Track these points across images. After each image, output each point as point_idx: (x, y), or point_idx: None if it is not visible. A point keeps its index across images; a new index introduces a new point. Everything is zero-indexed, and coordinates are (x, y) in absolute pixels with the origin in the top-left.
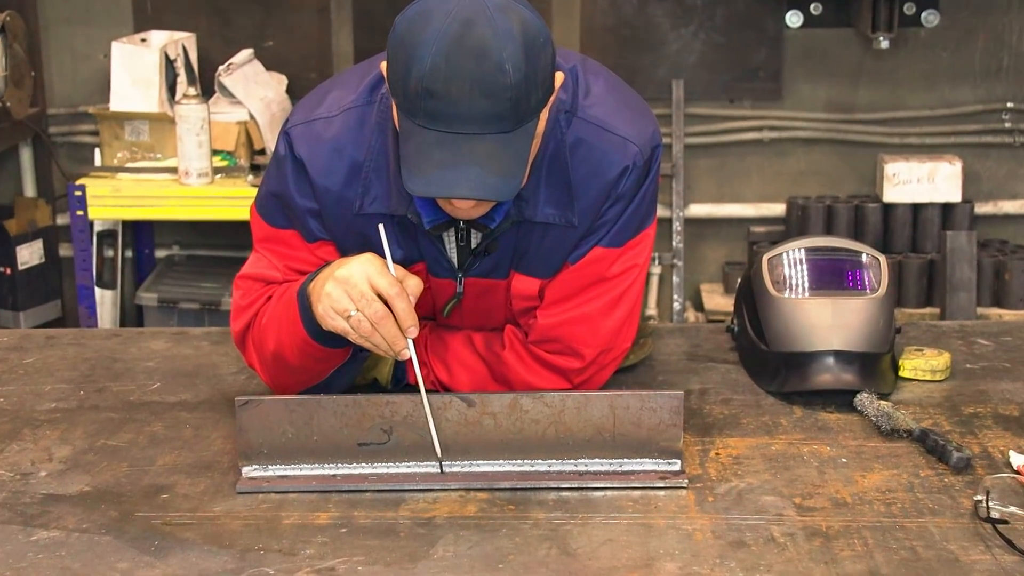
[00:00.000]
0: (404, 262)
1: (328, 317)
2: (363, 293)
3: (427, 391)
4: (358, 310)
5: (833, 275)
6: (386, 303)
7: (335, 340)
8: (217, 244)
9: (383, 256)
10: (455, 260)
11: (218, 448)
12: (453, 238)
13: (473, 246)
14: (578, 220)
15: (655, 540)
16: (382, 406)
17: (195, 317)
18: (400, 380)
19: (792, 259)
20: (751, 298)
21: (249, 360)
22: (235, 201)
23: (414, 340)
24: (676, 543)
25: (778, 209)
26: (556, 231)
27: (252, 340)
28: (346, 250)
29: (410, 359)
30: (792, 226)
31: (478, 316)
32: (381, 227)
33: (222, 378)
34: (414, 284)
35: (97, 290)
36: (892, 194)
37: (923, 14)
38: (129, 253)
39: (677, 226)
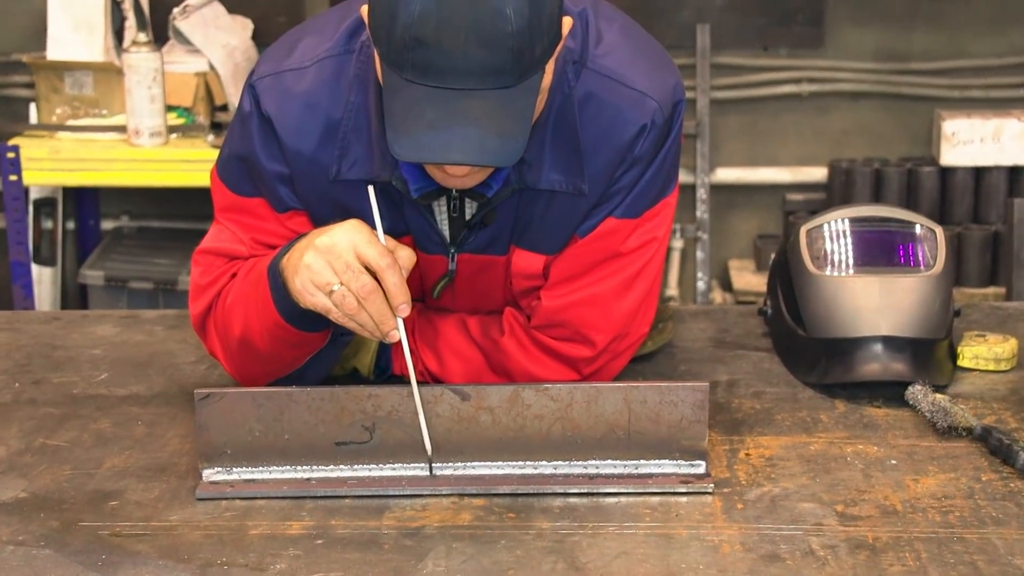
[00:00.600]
0: (389, 235)
1: (307, 293)
2: (348, 264)
3: (417, 382)
4: (342, 284)
5: (882, 249)
6: (374, 276)
7: (313, 322)
8: (173, 214)
9: (371, 224)
10: (446, 233)
11: (175, 448)
12: (444, 208)
13: (467, 217)
14: (588, 187)
15: (676, 553)
16: (363, 400)
17: (148, 298)
18: (384, 370)
19: (834, 231)
20: (787, 276)
21: (210, 347)
22: (193, 165)
23: (404, 321)
24: (700, 556)
25: (818, 174)
26: (563, 200)
27: (214, 324)
28: (321, 221)
29: (399, 343)
30: (835, 193)
31: (473, 297)
32: (371, 189)
33: (179, 368)
34: (406, 256)
35: (34, 267)
36: (951, 156)
37: None
38: (71, 225)
39: (702, 193)
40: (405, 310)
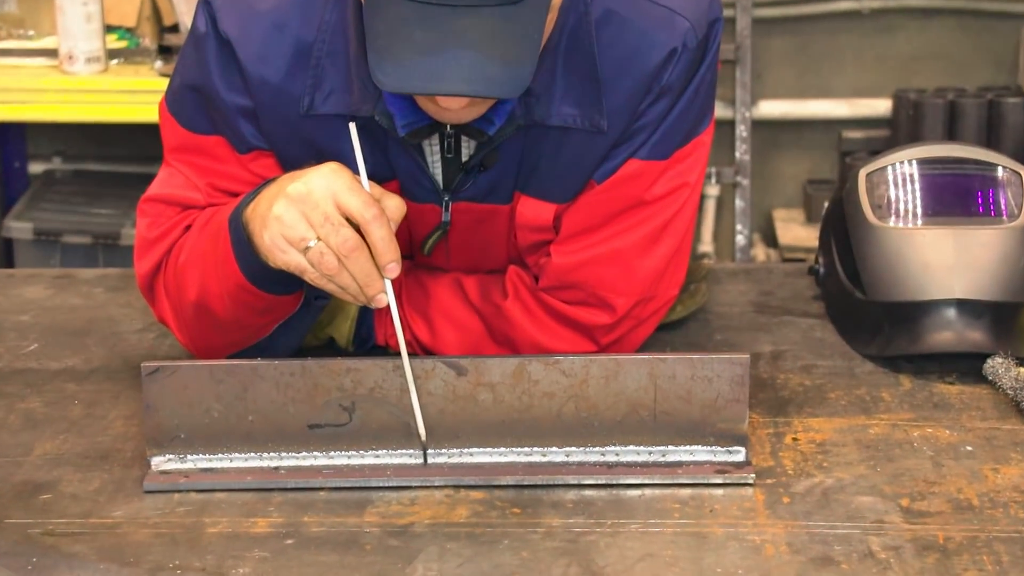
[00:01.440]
0: (372, 177)
1: (277, 250)
2: (327, 215)
3: (408, 353)
4: (320, 239)
5: (957, 197)
6: (357, 230)
7: (283, 284)
8: (114, 155)
9: (352, 167)
10: (439, 178)
11: (118, 432)
12: (437, 148)
13: (464, 159)
14: (607, 123)
15: (711, 555)
16: (341, 375)
17: (85, 254)
18: (366, 339)
19: (900, 175)
20: (843, 228)
21: (160, 313)
22: (138, 96)
23: (392, 283)
24: (739, 560)
25: (881, 107)
26: (577, 138)
27: (164, 286)
28: (290, 163)
29: (386, 309)
30: (901, 130)
31: (471, 254)
32: (353, 128)
33: (122, 337)
34: (395, 206)
35: None
36: None
37: None
38: None
39: (742, 131)
40: (394, 270)
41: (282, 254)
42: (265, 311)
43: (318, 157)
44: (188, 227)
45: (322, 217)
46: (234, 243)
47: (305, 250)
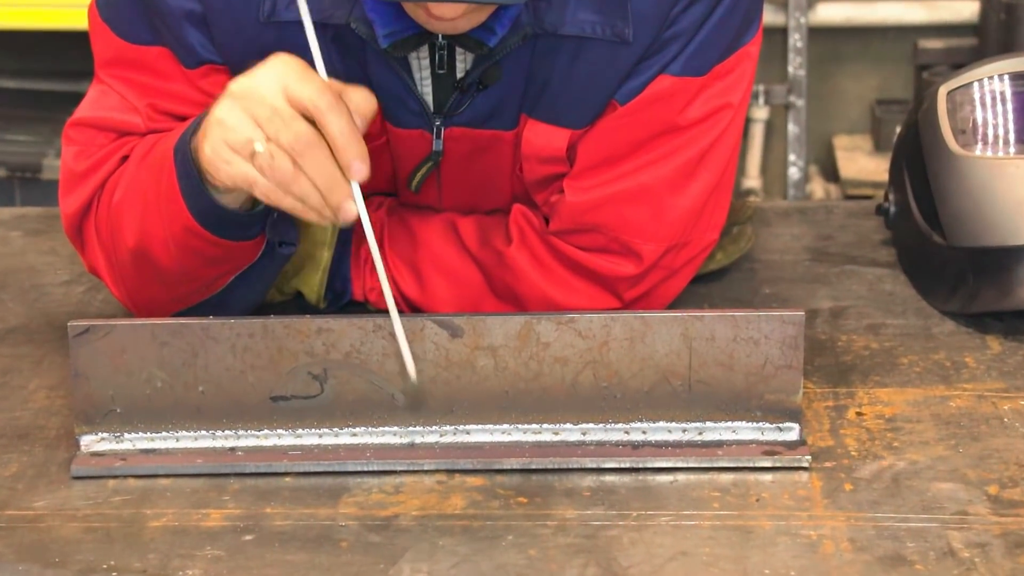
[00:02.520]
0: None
1: (220, 161)
2: (276, 109)
3: (383, 312)
4: (269, 140)
5: None
6: (314, 125)
7: (240, 226)
8: (34, 70)
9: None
10: (429, 99)
11: (40, 406)
12: (426, 62)
13: (460, 75)
14: (633, 31)
15: (757, 554)
16: (311, 336)
17: (0, 191)
18: (341, 294)
19: (989, 93)
20: (919, 159)
21: (91, 261)
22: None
23: (362, 188)
24: (791, 559)
25: (966, 11)
26: (597, 50)
27: (97, 229)
28: None
29: (359, 225)
30: (989, 39)
31: (467, 190)
32: (302, 3)
33: (45, 291)
34: (361, 98)
35: None
36: None
37: None
38: None
39: (796, 40)
40: (361, 170)
41: (226, 165)
42: (219, 260)
43: None
44: (125, 158)
45: (269, 111)
46: (180, 177)
47: (252, 155)
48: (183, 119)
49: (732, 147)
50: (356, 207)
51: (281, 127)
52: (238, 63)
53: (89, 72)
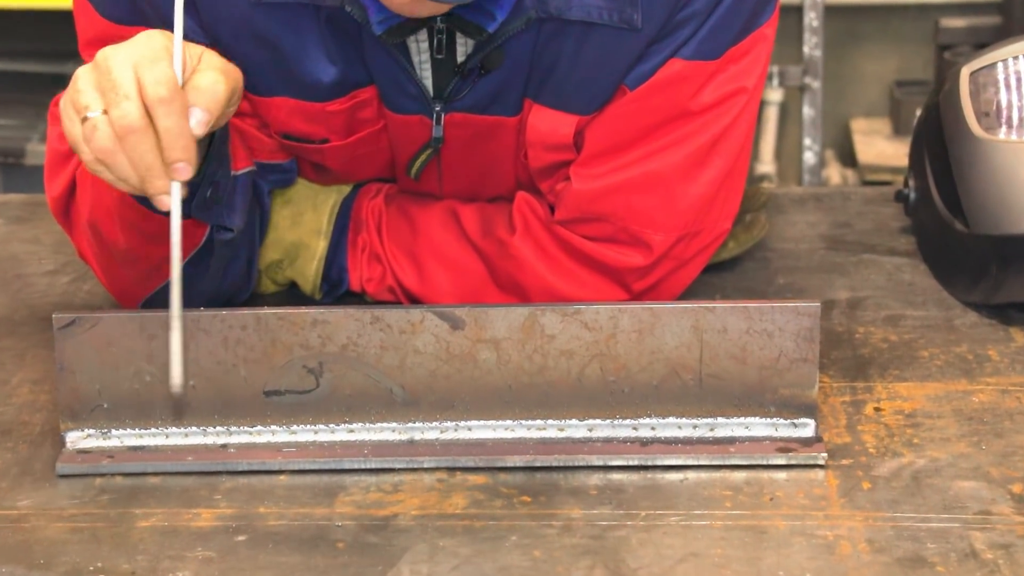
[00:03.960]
0: (342, 86)
1: (65, 117)
2: (116, 84)
3: (388, 303)
4: (103, 111)
5: None
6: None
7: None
8: (18, 51)
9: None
10: (429, 84)
11: (23, 401)
12: (425, 45)
13: (460, 59)
14: (642, 16)
15: (770, 555)
16: (306, 328)
17: None
18: (337, 285)
19: (1014, 74)
20: (940, 143)
21: (80, 245)
22: None
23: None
24: (807, 560)
25: None
26: (604, 34)
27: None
28: (238, 64)
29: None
30: (1014, 17)
31: (469, 178)
32: None
33: (29, 281)
34: (210, 82)
35: None
36: None
37: None
38: None
39: (812, 19)
40: (184, 171)
41: (68, 122)
42: (158, 238)
43: (271, 54)
44: None
45: (110, 84)
46: None
47: (84, 121)
48: None
49: (746, 133)
50: (171, 202)
51: (113, 102)
52: (228, 46)
53: (75, 52)
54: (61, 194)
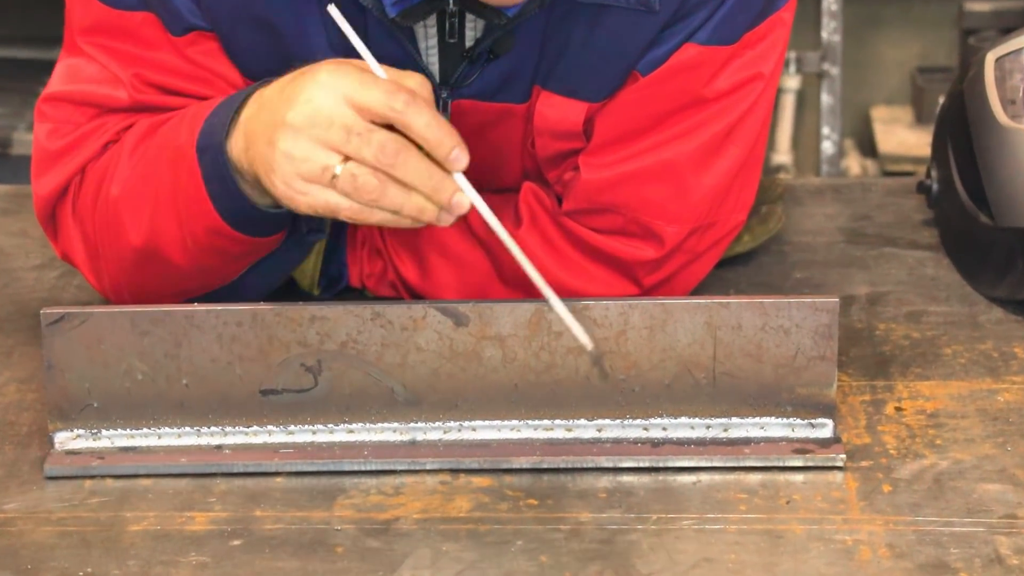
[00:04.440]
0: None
1: (298, 195)
2: (348, 127)
3: (391, 298)
4: (347, 160)
5: None
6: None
7: (276, 223)
8: (1, 37)
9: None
10: (435, 69)
11: (10, 400)
12: (433, 31)
13: (469, 44)
14: None
15: (787, 560)
16: (304, 325)
17: None
18: (336, 280)
19: None
20: (964, 132)
21: (65, 248)
22: None
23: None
24: (825, 566)
25: None
26: (617, 17)
27: (78, 217)
28: (238, 50)
29: (472, 209)
30: None
31: (474, 168)
32: (333, 9)
33: (15, 275)
34: (418, 83)
35: None
36: None
37: None
38: None
39: (830, 2)
40: (461, 158)
41: (304, 197)
42: (242, 255)
43: (272, 40)
44: (109, 143)
45: (342, 132)
46: (209, 180)
47: (332, 181)
48: (170, 92)
49: (762, 121)
50: (468, 198)
51: (361, 144)
52: (228, 31)
53: (61, 36)
54: (49, 195)
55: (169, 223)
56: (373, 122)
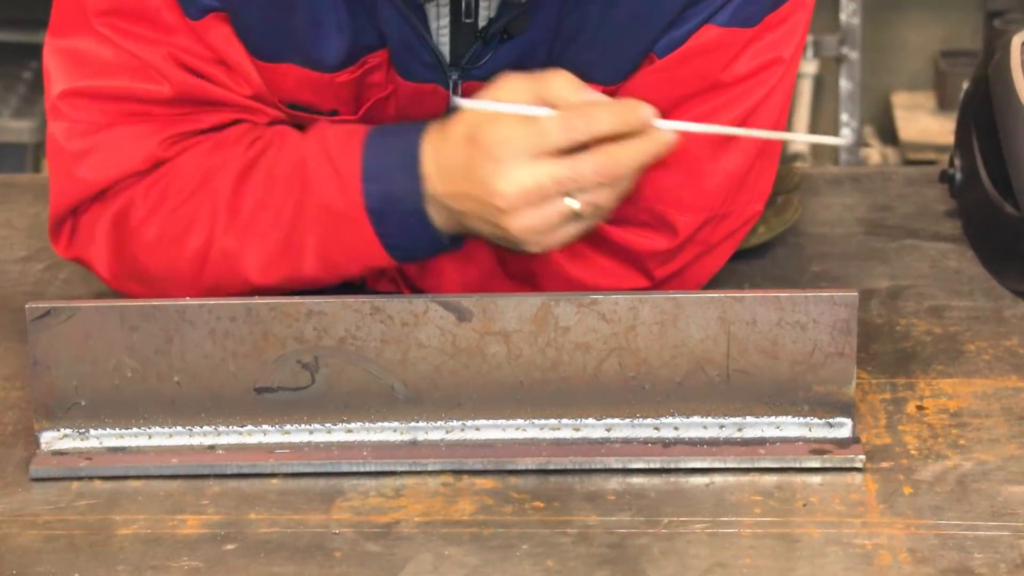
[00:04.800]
0: (351, 54)
1: (555, 243)
2: (557, 179)
3: (390, 292)
4: (579, 191)
5: None
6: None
7: (448, 246)
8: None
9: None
10: (446, 50)
11: None
12: (446, 10)
13: (483, 23)
14: None
15: (804, 565)
16: (300, 320)
17: None
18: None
19: None
20: (989, 118)
21: (80, 254)
22: None
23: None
24: (843, 571)
25: None
26: None
27: (125, 230)
28: (248, 29)
29: None
30: None
31: None
32: (462, 100)
33: None
34: (563, 83)
35: None
36: None
37: None
38: None
39: None
40: (648, 112)
41: (559, 239)
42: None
43: (282, 17)
44: (160, 161)
45: (556, 187)
46: (391, 236)
47: (577, 216)
48: (202, 76)
49: (781, 107)
50: (672, 130)
51: (578, 182)
52: (240, 9)
53: (47, 18)
54: (73, 203)
55: (313, 269)
56: (570, 148)
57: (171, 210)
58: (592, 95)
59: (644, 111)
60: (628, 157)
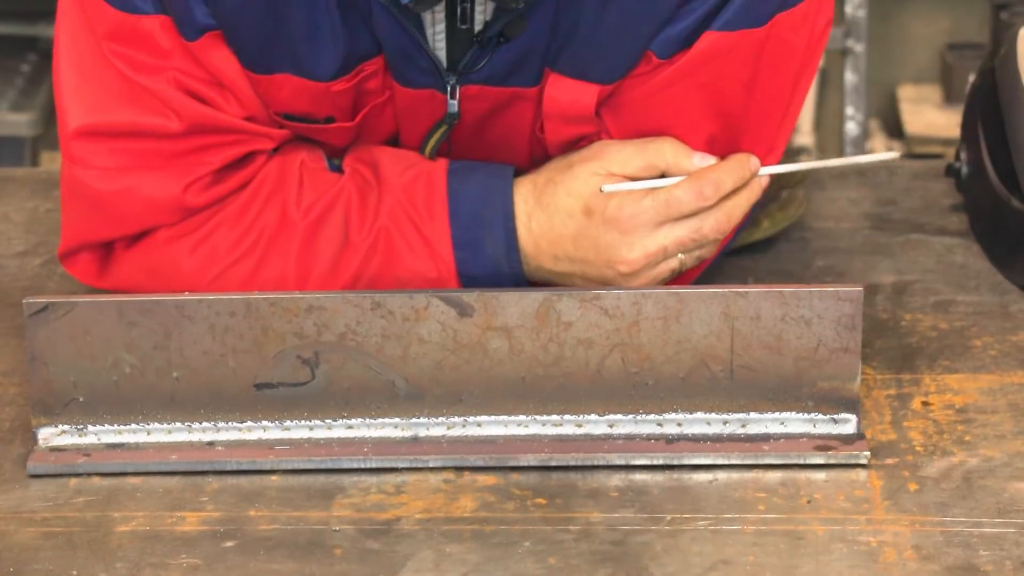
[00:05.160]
0: (347, 62)
1: (647, 285)
2: (681, 243)
3: (389, 290)
4: (699, 247)
5: None
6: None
7: None
8: None
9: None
10: (443, 55)
11: None
12: (441, 15)
13: (478, 28)
14: None
15: (808, 562)
16: (300, 315)
17: None
18: None
19: None
20: (996, 111)
21: (100, 282)
22: None
23: None
24: (848, 568)
25: None
26: None
27: (173, 267)
28: (241, 42)
29: None
30: None
31: (480, 154)
32: (608, 186)
33: None
34: (671, 149)
35: None
36: None
37: None
38: None
39: None
40: (757, 164)
41: (654, 283)
42: None
43: (277, 28)
44: (190, 209)
45: (679, 248)
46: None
47: (681, 264)
48: (203, 101)
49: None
50: (768, 175)
51: (699, 243)
52: (235, 21)
53: (46, 13)
54: (103, 239)
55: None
56: (679, 216)
57: (219, 273)
58: (703, 158)
59: (755, 163)
60: (740, 210)
